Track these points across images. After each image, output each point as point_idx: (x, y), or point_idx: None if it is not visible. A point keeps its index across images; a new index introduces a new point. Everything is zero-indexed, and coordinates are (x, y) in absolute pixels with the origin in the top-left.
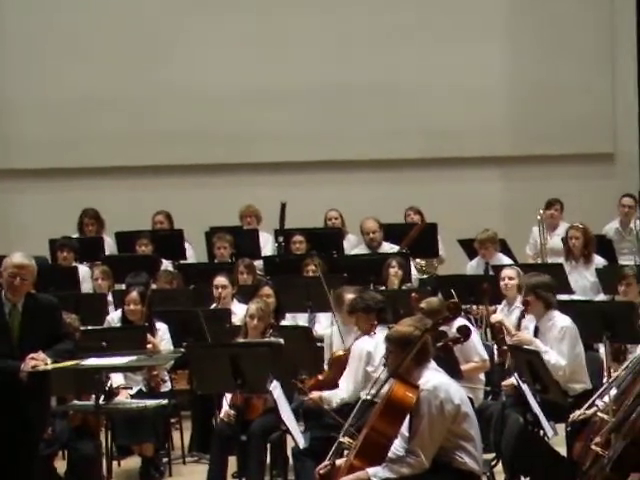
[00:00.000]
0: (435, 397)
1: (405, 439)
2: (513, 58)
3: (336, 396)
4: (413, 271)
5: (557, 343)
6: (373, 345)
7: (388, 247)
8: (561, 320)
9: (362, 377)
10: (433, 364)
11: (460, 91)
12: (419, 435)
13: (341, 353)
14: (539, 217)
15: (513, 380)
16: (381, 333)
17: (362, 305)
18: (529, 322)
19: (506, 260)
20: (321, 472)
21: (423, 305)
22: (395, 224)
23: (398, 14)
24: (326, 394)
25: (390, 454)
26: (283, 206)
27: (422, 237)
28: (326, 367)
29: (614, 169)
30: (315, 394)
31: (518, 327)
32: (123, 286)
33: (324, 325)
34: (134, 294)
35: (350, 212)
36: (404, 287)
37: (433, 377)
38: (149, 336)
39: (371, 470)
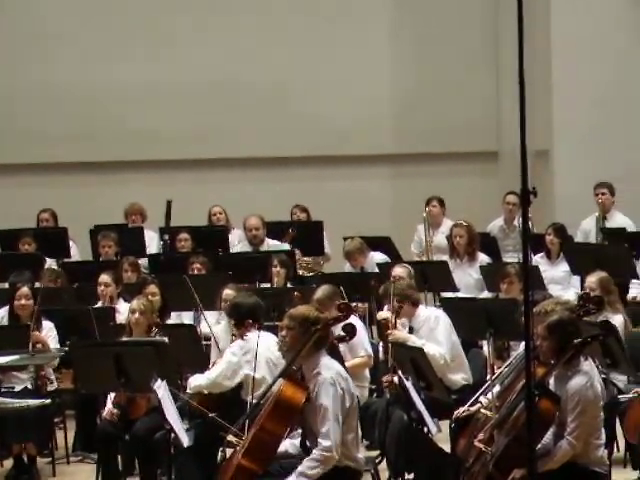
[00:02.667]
0: (338, 383)
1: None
2: (398, 57)
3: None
4: None
5: (432, 332)
6: (250, 346)
7: (272, 244)
8: (433, 311)
9: (231, 371)
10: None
11: (347, 90)
12: (326, 421)
13: None
14: (425, 214)
15: (394, 377)
16: (253, 335)
17: (229, 310)
18: (406, 320)
19: (379, 257)
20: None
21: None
22: (280, 222)
23: (287, 14)
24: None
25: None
26: (169, 204)
27: (308, 235)
28: None
29: (498, 167)
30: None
31: (394, 326)
32: (6, 285)
33: (210, 323)
34: (25, 289)
35: (238, 210)
36: (289, 285)
37: (333, 365)
38: (38, 334)
39: None
